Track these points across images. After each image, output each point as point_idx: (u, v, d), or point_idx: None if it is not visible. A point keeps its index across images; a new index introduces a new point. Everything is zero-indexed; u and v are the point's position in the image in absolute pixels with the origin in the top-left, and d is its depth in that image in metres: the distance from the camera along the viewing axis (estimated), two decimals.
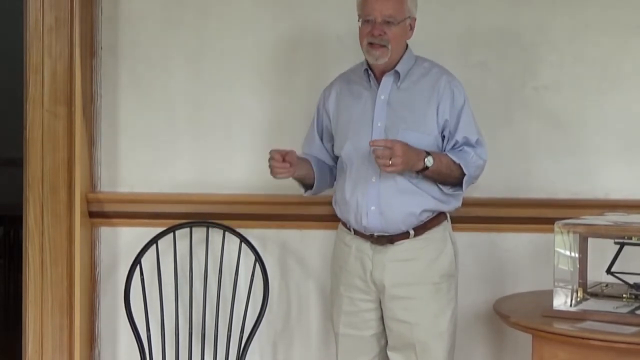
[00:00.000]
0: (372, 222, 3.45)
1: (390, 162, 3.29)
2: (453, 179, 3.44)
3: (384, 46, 3.41)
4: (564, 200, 3.91)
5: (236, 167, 4.07)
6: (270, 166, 3.46)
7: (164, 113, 4.10)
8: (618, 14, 3.95)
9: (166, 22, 4.08)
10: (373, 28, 3.41)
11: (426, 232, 3.48)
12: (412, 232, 3.47)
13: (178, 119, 4.10)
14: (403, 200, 3.43)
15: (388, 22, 3.41)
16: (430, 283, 3.48)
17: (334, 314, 3.61)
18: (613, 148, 3.93)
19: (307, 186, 3.63)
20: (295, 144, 3.85)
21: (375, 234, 3.47)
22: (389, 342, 3.54)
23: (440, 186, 3.45)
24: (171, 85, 4.09)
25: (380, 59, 3.43)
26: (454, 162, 3.40)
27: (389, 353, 3.54)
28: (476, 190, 3.84)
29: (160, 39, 4.08)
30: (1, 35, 7.08)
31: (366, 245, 3.50)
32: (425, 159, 3.36)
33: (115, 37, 4.09)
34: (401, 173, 3.39)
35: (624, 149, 3.93)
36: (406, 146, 3.34)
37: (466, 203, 3.81)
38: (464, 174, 3.41)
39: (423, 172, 3.39)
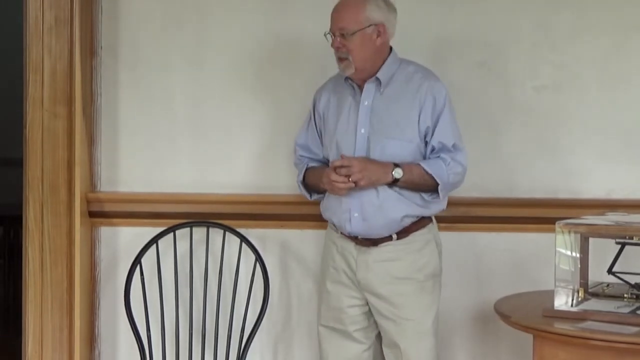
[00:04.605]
0: (355, 227, 3.50)
1: (350, 180, 3.37)
2: (429, 187, 3.47)
3: (346, 58, 3.46)
4: (565, 200, 3.91)
5: (236, 167, 4.07)
6: (333, 184, 3.43)
7: (164, 113, 4.09)
8: (618, 14, 3.95)
9: (166, 22, 4.08)
10: (332, 42, 3.49)
11: (410, 235, 3.52)
12: (394, 236, 3.51)
13: (178, 119, 4.09)
14: (384, 207, 3.46)
15: (342, 35, 3.46)
16: (415, 281, 3.52)
17: (322, 308, 3.66)
18: (614, 148, 3.93)
19: (317, 191, 3.64)
20: (294, 145, 3.85)
21: (360, 237, 3.52)
22: (383, 338, 3.60)
23: (421, 193, 3.48)
24: (171, 85, 4.09)
25: (347, 70, 3.49)
26: (427, 172, 3.43)
27: (383, 348, 3.60)
28: (477, 190, 3.85)
29: (160, 39, 4.08)
30: (1, 34, 7.07)
31: (351, 246, 3.55)
32: (393, 172, 3.41)
33: (115, 37, 4.08)
34: (365, 188, 3.42)
35: (624, 149, 3.93)
36: (366, 161, 3.43)
37: (467, 203, 3.83)
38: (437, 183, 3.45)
39: (395, 184, 3.43)
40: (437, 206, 3.55)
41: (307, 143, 3.71)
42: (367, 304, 3.57)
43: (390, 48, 3.56)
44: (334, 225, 3.59)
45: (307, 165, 3.68)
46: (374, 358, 3.67)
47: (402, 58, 3.59)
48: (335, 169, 3.42)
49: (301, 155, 3.72)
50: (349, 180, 3.39)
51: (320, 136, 3.67)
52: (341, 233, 3.57)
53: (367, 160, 3.45)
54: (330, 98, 3.63)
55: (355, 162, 3.40)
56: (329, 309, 3.62)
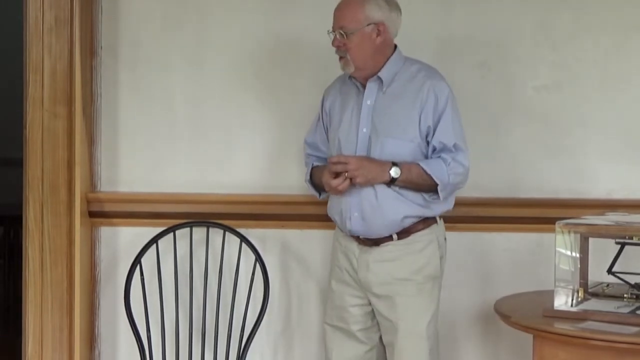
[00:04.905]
0: (355, 227, 3.51)
1: (346, 176, 3.39)
2: (429, 187, 3.46)
3: (345, 57, 3.48)
4: (565, 200, 3.91)
5: (236, 167, 4.07)
6: (332, 186, 3.46)
7: (164, 113, 4.09)
8: (618, 14, 3.95)
9: (166, 22, 4.08)
10: (333, 40, 3.50)
11: (411, 236, 3.52)
12: (395, 237, 3.50)
13: (178, 119, 4.09)
14: (384, 207, 3.46)
15: (342, 34, 3.47)
16: (414, 282, 3.51)
17: (327, 306, 3.68)
18: (614, 148, 3.93)
19: (325, 189, 3.63)
20: (294, 144, 3.86)
21: (361, 237, 3.53)
22: (383, 338, 3.61)
23: (422, 194, 3.48)
24: (171, 85, 4.09)
25: (346, 68, 3.52)
26: (426, 172, 3.42)
27: (386, 348, 3.60)
28: (477, 190, 3.85)
29: (160, 39, 4.08)
30: (1, 35, 7.07)
31: (353, 245, 3.56)
32: (391, 170, 3.40)
33: (115, 37, 4.08)
34: (362, 186, 3.44)
35: (624, 149, 3.93)
36: (363, 159, 3.44)
37: (467, 203, 3.82)
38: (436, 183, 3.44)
39: (393, 184, 3.43)
40: (441, 206, 3.53)
41: (316, 141, 3.73)
42: (370, 304, 3.57)
43: (395, 46, 3.56)
44: (337, 224, 3.60)
45: (313, 164, 3.69)
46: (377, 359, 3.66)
47: (407, 57, 3.57)
48: (332, 165, 3.43)
49: (309, 154, 3.74)
50: (345, 178, 3.40)
51: (327, 135, 3.68)
52: (345, 232, 3.58)
53: (365, 158, 3.45)
54: (336, 97, 3.65)
55: (352, 160, 3.42)
56: (333, 307, 3.64)
